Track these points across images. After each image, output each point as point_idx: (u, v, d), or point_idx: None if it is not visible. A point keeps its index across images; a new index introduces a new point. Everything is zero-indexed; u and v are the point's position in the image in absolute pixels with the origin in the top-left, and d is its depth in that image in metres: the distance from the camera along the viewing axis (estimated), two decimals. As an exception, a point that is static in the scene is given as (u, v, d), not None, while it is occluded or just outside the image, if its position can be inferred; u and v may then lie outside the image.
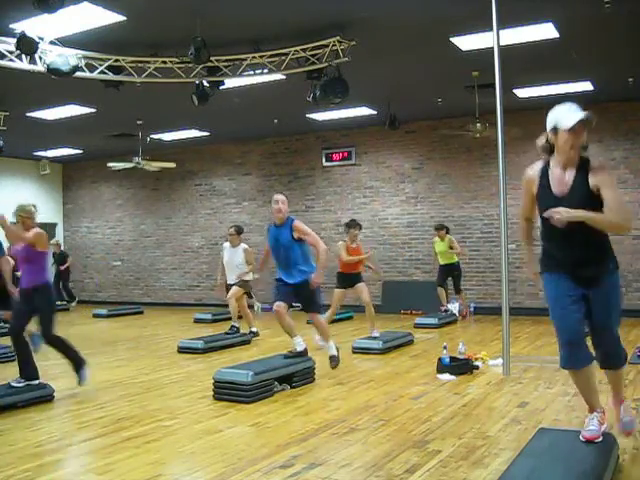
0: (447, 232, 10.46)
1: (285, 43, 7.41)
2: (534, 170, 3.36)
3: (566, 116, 3.18)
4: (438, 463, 3.51)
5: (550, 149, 3.32)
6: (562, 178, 3.24)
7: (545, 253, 3.38)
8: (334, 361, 6.19)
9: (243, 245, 8.64)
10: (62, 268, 14.12)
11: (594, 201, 3.12)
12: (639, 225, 10.51)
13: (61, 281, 14.18)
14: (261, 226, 13.64)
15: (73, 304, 14.30)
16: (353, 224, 8.02)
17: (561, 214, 3.06)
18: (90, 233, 16.21)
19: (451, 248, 10.35)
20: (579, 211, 3.06)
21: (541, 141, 3.37)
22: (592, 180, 3.15)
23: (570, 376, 3.43)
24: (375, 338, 7.57)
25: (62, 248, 14.80)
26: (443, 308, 10.39)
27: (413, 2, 6.35)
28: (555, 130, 3.22)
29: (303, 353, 5.87)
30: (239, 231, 8.71)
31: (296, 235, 5.82)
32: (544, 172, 3.30)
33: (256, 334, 8.60)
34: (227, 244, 8.72)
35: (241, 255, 8.50)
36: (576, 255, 3.24)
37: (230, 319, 8.62)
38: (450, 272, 10.49)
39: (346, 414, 4.66)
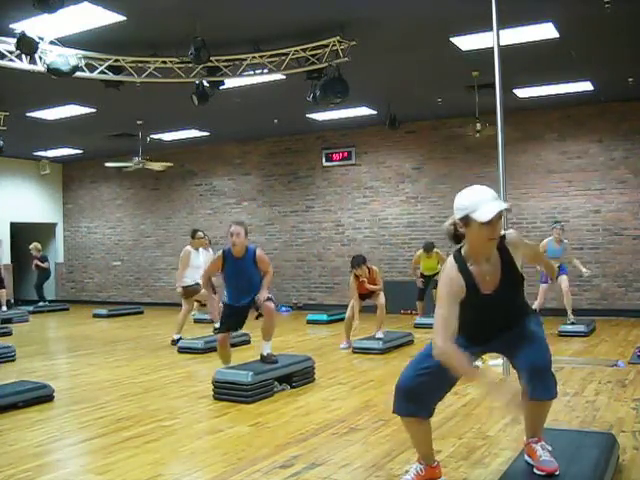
0: (434, 247, 9.89)
1: (285, 43, 7.41)
2: (454, 270, 2.80)
3: (482, 205, 2.66)
4: (438, 463, 3.50)
5: (456, 236, 2.82)
6: (485, 272, 2.79)
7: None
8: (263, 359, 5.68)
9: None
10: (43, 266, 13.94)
11: (521, 282, 2.89)
12: (639, 225, 10.53)
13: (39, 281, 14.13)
14: (261, 226, 13.67)
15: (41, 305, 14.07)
16: (354, 262, 7.80)
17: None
18: (90, 233, 16.22)
19: (438, 263, 9.68)
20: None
21: (448, 226, 2.85)
22: (518, 256, 2.84)
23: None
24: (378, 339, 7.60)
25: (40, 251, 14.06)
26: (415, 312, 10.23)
27: (413, 2, 6.35)
28: (466, 219, 2.69)
29: (265, 358, 5.66)
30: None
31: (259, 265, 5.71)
32: (465, 270, 2.78)
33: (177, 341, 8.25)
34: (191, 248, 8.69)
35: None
36: (498, 328, 2.92)
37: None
38: (432, 281, 9.84)
39: (346, 414, 4.66)
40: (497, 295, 2.81)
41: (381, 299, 7.88)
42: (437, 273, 9.95)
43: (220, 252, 5.77)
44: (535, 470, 2.92)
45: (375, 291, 7.87)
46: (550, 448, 2.99)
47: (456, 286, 2.77)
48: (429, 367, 2.88)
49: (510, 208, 2.71)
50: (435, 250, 9.92)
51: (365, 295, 7.88)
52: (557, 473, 2.87)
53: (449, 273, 2.79)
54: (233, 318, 5.77)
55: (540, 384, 2.87)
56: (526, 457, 3.07)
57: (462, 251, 2.81)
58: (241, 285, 5.68)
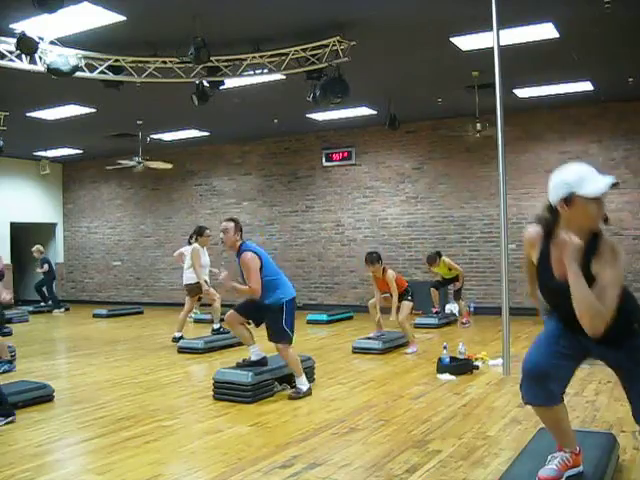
0: (440, 256, 9.93)
1: (285, 43, 7.40)
2: (536, 232, 2.66)
3: (589, 179, 2.43)
4: (438, 463, 3.51)
5: (550, 224, 2.59)
6: (561, 257, 2.50)
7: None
8: (297, 393, 5.29)
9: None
10: (39, 270, 13.67)
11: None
12: (639, 225, 10.53)
13: (44, 286, 13.94)
14: (261, 226, 13.67)
15: (60, 310, 13.82)
16: (366, 258, 7.59)
17: (569, 242, 2.40)
18: (90, 233, 16.21)
19: (450, 270, 9.95)
20: (574, 267, 2.42)
21: (543, 212, 2.62)
22: (595, 264, 2.47)
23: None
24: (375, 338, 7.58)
25: (42, 254, 13.66)
26: (435, 310, 10.31)
27: (413, 2, 6.34)
28: (569, 198, 2.45)
29: (258, 363, 5.43)
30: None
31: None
32: (546, 242, 2.61)
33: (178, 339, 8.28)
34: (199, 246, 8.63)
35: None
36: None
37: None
38: (451, 282, 10.24)
39: (346, 414, 4.66)
40: (567, 287, 2.45)
41: (400, 315, 7.37)
42: (455, 277, 10.01)
43: None
44: None
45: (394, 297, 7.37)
46: None
47: (529, 238, 2.68)
48: (562, 348, 2.70)
49: (619, 182, 2.44)
50: (442, 259, 9.90)
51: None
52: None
53: (529, 229, 2.70)
54: (245, 307, 5.49)
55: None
56: None
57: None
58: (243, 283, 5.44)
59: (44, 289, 13.96)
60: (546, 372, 2.68)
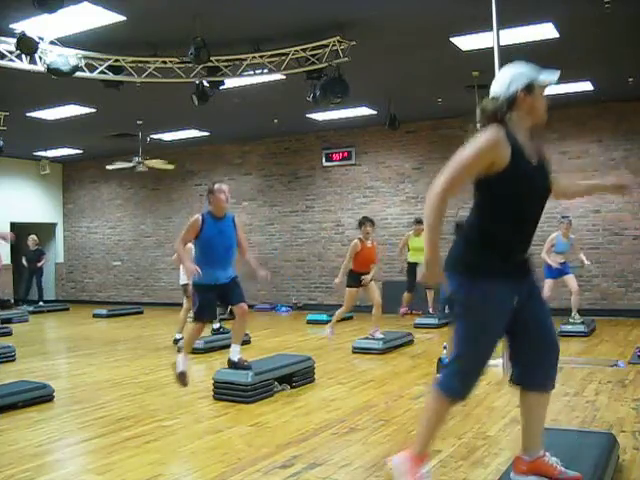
0: None
1: (285, 43, 7.41)
2: (502, 134, 2.58)
3: (543, 71, 2.63)
4: (438, 463, 3.51)
5: (500, 116, 2.64)
6: (530, 145, 2.67)
7: (489, 248, 2.68)
8: (235, 365, 5.34)
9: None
10: (38, 265, 13.84)
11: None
12: (639, 225, 10.53)
13: (34, 278, 14.00)
14: (261, 226, 13.67)
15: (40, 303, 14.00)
16: (364, 220, 7.72)
17: None
18: (90, 233, 16.21)
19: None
20: None
21: (492, 104, 2.70)
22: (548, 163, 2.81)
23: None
24: (376, 339, 7.57)
25: (37, 245, 14.02)
26: (403, 311, 10.20)
27: (413, 2, 6.35)
28: (530, 86, 2.62)
29: (237, 364, 5.32)
30: None
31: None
32: (513, 138, 2.60)
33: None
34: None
35: None
36: (527, 242, 2.69)
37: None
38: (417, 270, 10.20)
39: (346, 414, 4.66)
40: (538, 171, 2.62)
41: (378, 296, 7.71)
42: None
43: (197, 215, 5.47)
44: None
45: (370, 270, 7.59)
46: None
47: (497, 142, 2.55)
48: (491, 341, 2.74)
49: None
50: None
51: (362, 272, 7.66)
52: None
53: (493, 135, 2.56)
54: (212, 302, 5.48)
55: (546, 371, 2.76)
56: (527, 477, 2.77)
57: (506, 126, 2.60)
58: (219, 252, 5.33)
59: (36, 280, 14.01)
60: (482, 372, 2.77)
